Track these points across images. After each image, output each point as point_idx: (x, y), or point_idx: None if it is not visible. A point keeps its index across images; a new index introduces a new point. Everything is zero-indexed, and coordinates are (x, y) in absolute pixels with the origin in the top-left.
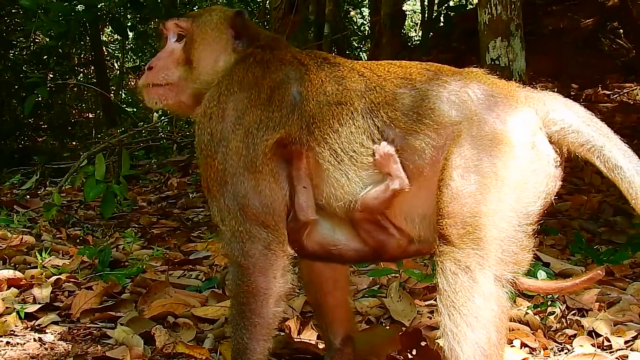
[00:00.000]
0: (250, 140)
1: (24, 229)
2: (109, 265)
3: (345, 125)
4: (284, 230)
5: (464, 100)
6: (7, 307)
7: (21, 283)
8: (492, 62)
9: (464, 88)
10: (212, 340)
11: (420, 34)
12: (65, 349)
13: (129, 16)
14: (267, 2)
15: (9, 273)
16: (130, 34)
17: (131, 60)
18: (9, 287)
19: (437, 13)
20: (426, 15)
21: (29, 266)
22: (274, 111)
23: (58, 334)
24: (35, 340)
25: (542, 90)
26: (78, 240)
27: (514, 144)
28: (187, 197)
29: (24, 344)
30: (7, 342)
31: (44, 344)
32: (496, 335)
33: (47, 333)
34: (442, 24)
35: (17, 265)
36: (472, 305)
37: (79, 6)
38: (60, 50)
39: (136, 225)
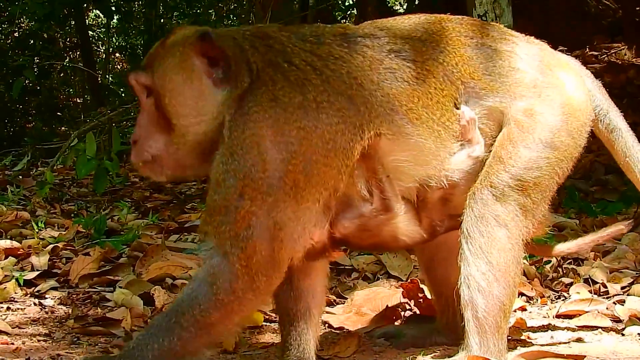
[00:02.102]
0: (299, 160)
1: (18, 206)
2: (105, 234)
3: (432, 96)
4: (282, 276)
5: (539, 62)
6: (5, 275)
7: (19, 252)
8: (479, 18)
9: (539, 51)
10: None
11: (405, 5)
12: (65, 312)
13: None
14: None
15: (6, 243)
16: (115, 16)
17: (117, 42)
18: (6, 257)
19: None
20: None
21: (25, 238)
22: (342, 119)
23: (57, 298)
24: (35, 305)
25: None
26: (72, 215)
27: (583, 115)
28: None
29: (24, 309)
30: (8, 308)
31: (44, 308)
32: (512, 292)
33: (46, 298)
34: None
35: (13, 238)
36: (503, 260)
37: None
38: (45, 35)
39: (129, 200)
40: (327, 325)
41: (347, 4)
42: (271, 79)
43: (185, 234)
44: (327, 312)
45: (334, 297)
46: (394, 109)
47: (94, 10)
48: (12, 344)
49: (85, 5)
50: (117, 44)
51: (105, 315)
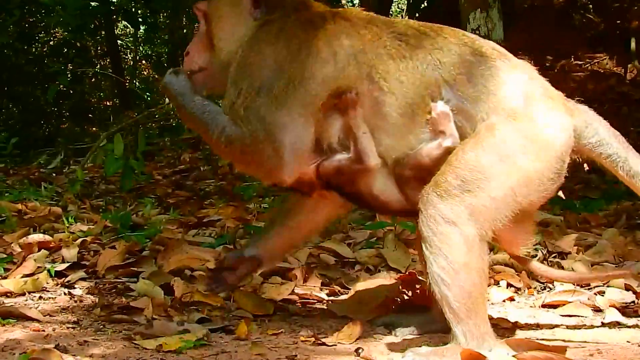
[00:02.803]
0: (291, 94)
1: (51, 202)
2: (130, 228)
3: (409, 78)
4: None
5: (527, 92)
6: (38, 267)
7: (50, 245)
8: (473, 32)
9: (529, 80)
10: None
11: (406, 17)
12: (93, 301)
13: (139, 11)
14: None
15: (39, 237)
16: (142, 27)
17: (143, 51)
18: (39, 249)
19: None
20: None
21: (57, 232)
22: (326, 65)
23: (86, 288)
24: (65, 294)
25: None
26: (101, 210)
27: (549, 149)
28: (199, 170)
29: (55, 298)
30: (40, 297)
31: (74, 297)
32: (479, 279)
33: (75, 288)
34: (426, 4)
35: (46, 231)
36: (459, 254)
37: (93, 2)
38: (77, 43)
39: (153, 196)
40: (331, 313)
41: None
42: (289, 19)
43: (204, 228)
44: (333, 302)
45: (338, 288)
46: (374, 77)
47: (122, 22)
48: (43, 330)
49: (114, 16)
50: (143, 52)
51: (128, 304)
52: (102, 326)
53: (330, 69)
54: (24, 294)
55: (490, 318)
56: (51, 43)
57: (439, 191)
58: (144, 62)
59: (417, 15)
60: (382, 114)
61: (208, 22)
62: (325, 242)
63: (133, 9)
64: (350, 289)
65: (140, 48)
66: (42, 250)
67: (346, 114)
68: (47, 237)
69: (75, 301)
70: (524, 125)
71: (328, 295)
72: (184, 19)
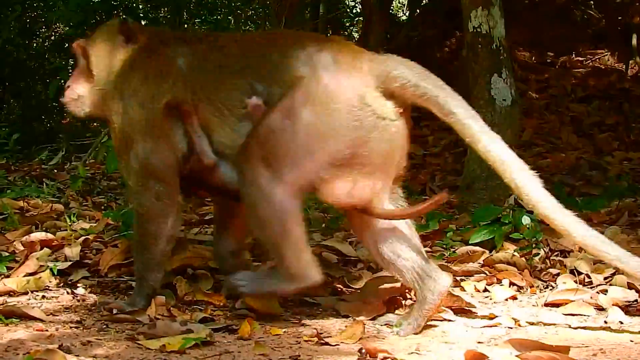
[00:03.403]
0: (146, 112)
1: (53, 199)
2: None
3: (225, 84)
4: (175, 184)
5: (314, 63)
6: (41, 265)
7: (53, 244)
8: (475, 30)
9: (318, 51)
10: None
11: (407, 12)
12: (95, 300)
13: (140, 6)
14: None
15: (41, 235)
16: (143, 22)
17: None
18: (42, 248)
19: None
20: None
21: (59, 230)
22: (163, 83)
23: (88, 287)
24: (68, 293)
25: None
26: (103, 207)
27: (339, 102)
28: None
29: (58, 297)
30: (43, 296)
31: (76, 296)
32: (291, 231)
33: (78, 287)
34: (427, 1)
35: (48, 229)
36: (267, 213)
37: None
38: (79, 39)
39: None
40: (334, 312)
41: (355, 11)
42: (141, 51)
43: (206, 226)
44: (336, 301)
45: (341, 287)
46: (199, 88)
47: (123, 17)
48: (47, 330)
49: (115, 12)
50: None
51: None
52: (105, 326)
53: (168, 86)
54: (26, 293)
55: (493, 317)
56: (52, 38)
57: (245, 161)
58: None
59: (417, 11)
60: (210, 118)
61: (87, 58)
62: (327, 241)
63: (134, 5)
64: (352, 288)
65: None
66: (45, 248)
67: (185, 122)
68: (50, 236)
69: (78, 300)
70: (311, 89)
71: (330, 294)
72: (185, 14)
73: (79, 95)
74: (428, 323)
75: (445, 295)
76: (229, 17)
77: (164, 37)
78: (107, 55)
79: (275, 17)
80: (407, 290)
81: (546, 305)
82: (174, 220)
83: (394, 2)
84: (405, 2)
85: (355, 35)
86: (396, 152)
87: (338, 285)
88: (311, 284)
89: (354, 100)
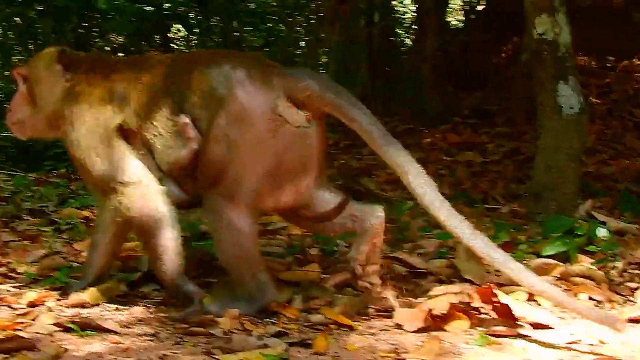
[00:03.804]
0: (94, 135)
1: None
2: (198, 237)
3: (156, 104)
4: (154, 183)
5: (229, 80)
6: (111, 276)
7: (124, 256)
8: (540, 37)
9: (232, 69)
10: (300, 301)
11: (462, 18)
12: (168, 313)
13: (191, 14)
14: None
15: None
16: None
17: None
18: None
19: None
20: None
21: (128, 241)
22: (107, 110)
23: (159, 299)
24: (140, 305)
25: None
26: None
27: (255, 116)
28: None
29: (130, 308)
30: (116, 308)
31: (149, 309)
32: (247, 252)
33: (150, 299)
34: (481, 6)
35: None
36: (224, 236)
37: (148, 7)
38: (132, 48)
39: None
40: (402, 327)
41: (407, 17)
42: (84, 80)
43: (270, 236)
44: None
45: (412, 299)
46: (137, 110)
47: (175, 25)
48: (122, 343)
49: (167, 21)
50: None
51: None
52: (180, 339)
53: (112, 111)
54: (98, 305)
55: (574, 334)
56: (107, 48)
57: (203, 190)
58: None
59: (473, 16)
60: (151, 137)
61: (28, 84)
62: (395, 252)
63: (186, 14)
64: (423, 301)
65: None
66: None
67: (129, 143)
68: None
69: (151, 312)
70: (230, 108)
71: (402, 307)
72: (236, 23)
73: (18, 119)
74: (506, 339)
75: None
76: (279, 25)
77: (102, 64)
78: (47, 83)
79: (329, 24)
80: (481, 305)
81: (630, 321)
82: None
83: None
84: (459, 8)
85: (407, 41)
86: (314, 154)
87: (409, 299)
88: (267, 303)
89: (267, 113)
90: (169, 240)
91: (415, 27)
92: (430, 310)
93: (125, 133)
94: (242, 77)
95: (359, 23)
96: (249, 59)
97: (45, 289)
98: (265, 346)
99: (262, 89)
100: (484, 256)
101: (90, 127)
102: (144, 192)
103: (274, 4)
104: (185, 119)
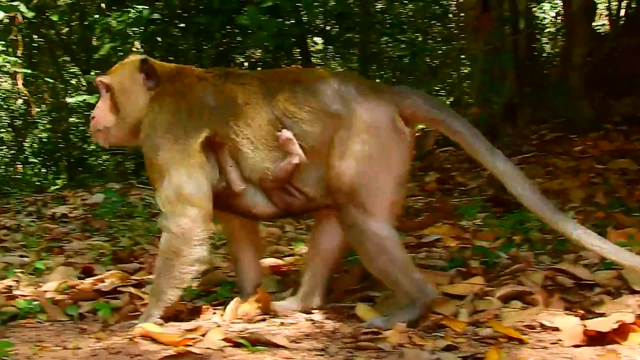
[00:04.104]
0: (180, 145)
1: (268, 223)
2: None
3: (255, 119)
4: (210, 210)
5: (343, 96)
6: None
7: (281, 270)
8: None
9: (342, 86)
10: (466, 314)
11: (607, 22)
12: (334, 327)
13: (328, 27)
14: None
15: (271, 260)
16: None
17: (337, 66)
18: (272, 274)
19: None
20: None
21: (283, 255)
22: (196, 120)
23: (324, 313)
24: (306, 320)
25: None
26: None
27: (380, 130)
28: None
29: (297, 323)
30: (282, 323)
31: (315, 323)
32: (396, 257)
33: (314, 313)
34: (630, 10)
35: (271, 254)
36: (370, 247)
37: (289, 21)
38: (272, 62)
39: None
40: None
41: (545, 22)
42: (168, 90)
43: (425, 249)
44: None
45: (582, 312)
46: (230, 122)
47: (313, 39)
48: (293, 358)
49: (308, 35)
50: (335, 68)
51: (373, 330)
52: (350, 354)
53: (201, 122)
54: (264, 320)
55: None
56: (245, 64)
57: (338, 207)
58: None
59: (621, 22)
60: (242, 149)
61: (111, 92)
62: (558, 264)
63: (326, 27)
64: (595, 313)
65: (332, 64)
66: (274, 274)
67: (217, 153)
68: (279, 261)
69: (317, 327)
70: (351, 124)
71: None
72: (374, 35)
73: (104, 126)
74: None
75: None
76: (416, 34)
77: (186, 74)
78: (130, 91)
79: (473, 32)
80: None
81: None
82: (204, 245)
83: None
84: (604, 14)
85: (547, 48)
86: (410, 166)
87: (579, 311)
88: (429, 301)
89: (389, 126)
90: (183, 274)
91: (559, 34)
92: (601, 324)
93: (212, 144)
94: (356, 94)
95: (503, 31)
96: (348, 76)
97: (210, 304)
98: None
99: (381, 104)
100: (592, 248)
101: (174, 135)
102: (199, 217)
103: (411, 14)
104: (288, 134)
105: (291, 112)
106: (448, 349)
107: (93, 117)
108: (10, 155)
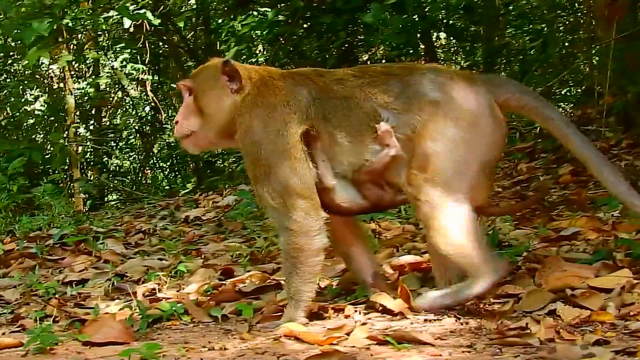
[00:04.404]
0: (281, 138)
1: (399, 219)
2: (498, 246)
3: (353, 111)
4: (317, 199)
5: (440, 85)
6: (412, 290)
7: (421, 266)
8: None
9: (438, 76)
10: (614, 307)
11: None
12: (478, 323)
13: (451, 21)
14: None
15: (410, 258)
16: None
17: (461, 60)
18: (412, 271)
19: None
20: None
21: (420, 252)
22: (295, 112)
23: (467, 310)
24: (449, 316)
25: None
26: None
27: (476, 116)
28: (538, 179)
29: (440, 320)
30: (425, 319)
31: (458, 319)
32: (472, 234)
33: (457, 309)
34: None
35: (409, 251)
36: (447, 223)
37: (415, 17)
38: (396, 59)
39: None
40: None
41: None
42: (258, 88)
43: (566, 242)
44: None
45: None
46: (327, 116)
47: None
48: (440, 355)
49: (433, 30)
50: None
51: (520, 326)
52: (498, 350)
53: (298, 115)
54: (406, 317)
55: None
56: (368, 62)
57: (413, 186)
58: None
59: None
60: (337, 143)
61: (195, 95)
62: None
63: (450, 21)
64: None
65: (457, 58)
66: (414, 271)
67: (310, 147)
68: (418, 258)
69: (461, 323)
70: (449, 109)
71: None
72: (499, 28)
73: (191, 130)
74: None
75: None
76: (542, 26)
77: (274, 73)
78: (213, 94)
79: (604, 21)
80: None
81: None
82: (322, 233)
83: None
84: None
85: None
86: (502, 152)
87: None
88: (500, 276)
89: (486, 111)
90: (311, 266)
91: None
92: None
93: (309, 139)
94: (452, 82)
95: (637, 18)
96: (442, 68)
97: (350, 303)
98: (591, 355)
99: (478, 91)
100: None
101: (274, 130)
102: (311, 208)
103: (536, 4)
104: (386, 127)
105: (388, 103)
106: (599, 343)
107: (177, 122)
108: (139, 161)
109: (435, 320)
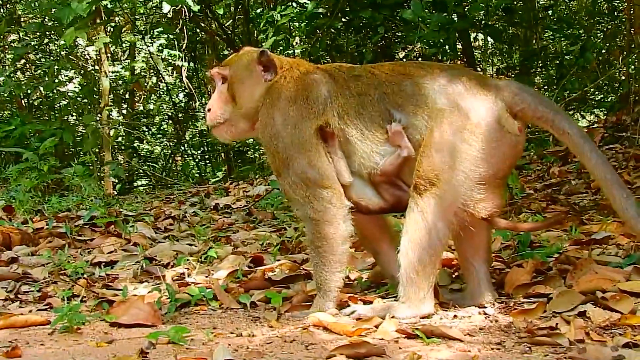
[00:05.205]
0: (298, 131)
1: None
2: (529, 246)
3: (366, 110)
4: (339, 187)
5: (448, 92)
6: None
7: (453, 263)
8: None
9: (450, 82)
10: None
11: None
12: (508, 321)
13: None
14: None
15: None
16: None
17: (498, 62)
18: (442, 267)
19: None
20: None
21: (451, 247)
22: (312, 107)
23: (497, 308)
24: (479, 313)
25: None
26: None
27: (481, 127)
28: (570, 183)
29: (470, 317)
30: (455, 316)
31: (488, 317)
32: (435, 263)
33: (486, 307)
34: None
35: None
36: (417, 235)
37: (454, 15)
38: (432, 57)
39: (528, 211)
40: None
41: None
42: (285, 80)
43: (597, 245)
44: None
45: None
46: (342, 113)
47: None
48: (469, 351)
49: (472, 30)
50: (497, 64)
51: (550, 326)
52: (527, 348)
53: (315, 111)
54: (435, 313)
55: None
56: (404, 60)
57: (415, 192)
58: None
59: None
60: (351, 140)
61: (230, 83)
62: None
63: (486, 21)
64: None
65: (494, 60)
66: (444, 267)
67: (327, 144)
68: (449, 255)
69: (490, 320)
70: (454, 120)
71: None
72: (538, 31)
73: (224, 118)
74: None
75: None
76: (580, 31)
77: (302, 66)
78: (248, 83)
79: None
80: None
81: None
82: (347, 221)
83: None
84: None
85: None
86: (514, 162)
87: None
88: (423, 315)
89: (494, 124)
90: (337, 255)
91: None
92: None
93: (324, 134)
94: (462, 90)
95: None
96: (459, 70)
97: (379, 296)
98: (621, 357)
99: (486, 101)
100: None
101: (292, 124)
102: (333, 196)
103: (575, 9)
104: (398, 127)
105: (400, 105)
106: (628, 346)
107: (209, 110)
108: (170, 148)
109: (465, 317)
